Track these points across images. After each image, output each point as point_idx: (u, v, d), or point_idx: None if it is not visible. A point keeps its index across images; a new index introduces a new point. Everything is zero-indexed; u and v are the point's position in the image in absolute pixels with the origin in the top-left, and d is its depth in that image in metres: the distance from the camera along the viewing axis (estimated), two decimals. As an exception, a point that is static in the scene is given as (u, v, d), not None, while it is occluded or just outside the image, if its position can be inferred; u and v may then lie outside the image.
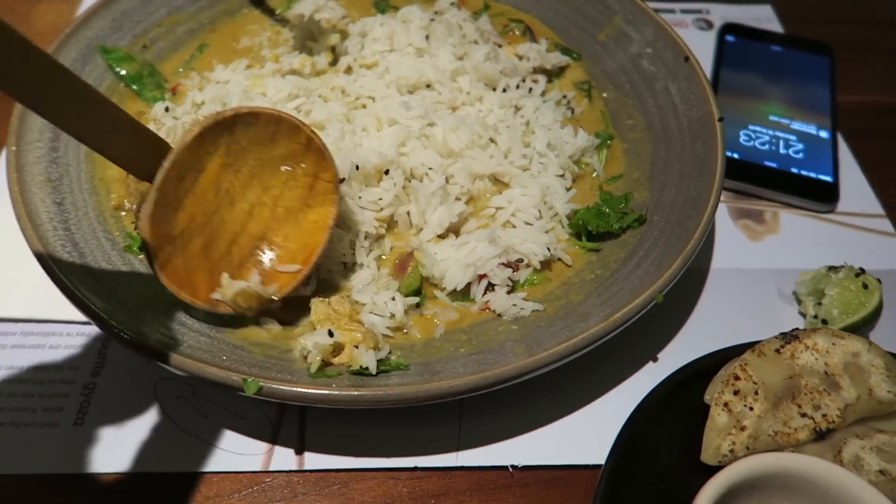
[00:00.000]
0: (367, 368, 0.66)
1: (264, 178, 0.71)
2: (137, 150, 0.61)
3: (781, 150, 1.00)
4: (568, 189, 0.85)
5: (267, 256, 0.72)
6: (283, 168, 0.72)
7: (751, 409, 0.63)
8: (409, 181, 0.81)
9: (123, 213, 0.79)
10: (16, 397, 0.72)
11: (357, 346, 0.67)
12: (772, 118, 1.05)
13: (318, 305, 0.71)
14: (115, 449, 0.68)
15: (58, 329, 0.77)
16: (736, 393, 0.64)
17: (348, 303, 0.73)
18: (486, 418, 0.72)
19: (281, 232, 0.73)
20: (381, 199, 0.78)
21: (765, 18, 1.26)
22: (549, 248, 0.77)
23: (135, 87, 0.92)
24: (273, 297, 0.70)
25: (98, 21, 0.93)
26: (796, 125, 1.04)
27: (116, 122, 0.58)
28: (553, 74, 1.01)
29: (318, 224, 0.73)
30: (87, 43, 0.91)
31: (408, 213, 0.79)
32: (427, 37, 0.96)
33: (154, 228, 0.63)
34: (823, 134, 1.03)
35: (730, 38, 1.18)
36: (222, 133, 0.67)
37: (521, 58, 0.99)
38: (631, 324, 0.68)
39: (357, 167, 0.77)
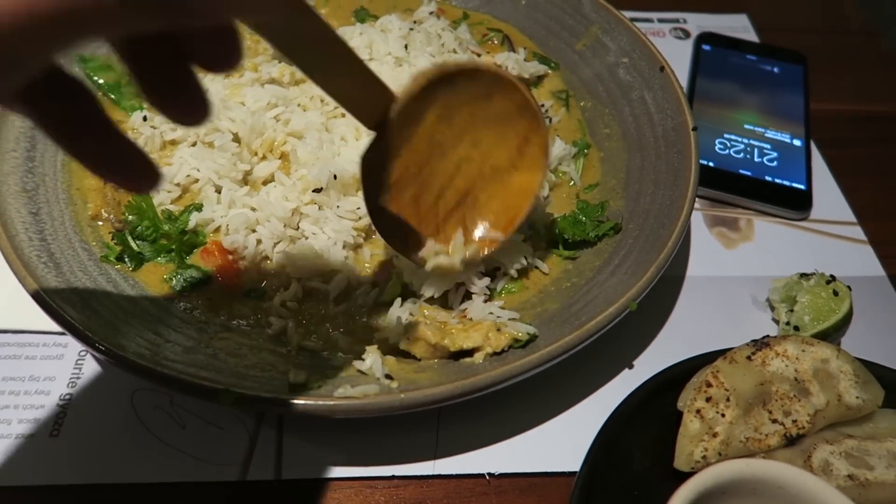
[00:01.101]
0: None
1: (476, 133, 0.69)
2: (363, 94, 0.60)
3: (756, 159, 1.02)
4: (545, 198, 0.86)
5: (470, 214, 0.72)
6: (495, 126, 0.70)
7: (723, 415, 0.65)
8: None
9: (100, 223, 0.79)
10: (-9, 409, 0.71)
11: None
12: (746, 127, 1.06)
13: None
14: (92, 460, 0.68)
15: (34, 340, 0.77)
16: (708, 400, 0.65)
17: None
18: (463, 426, 0.72)
19: (486, 190, 0.72)
20: (359, 208, 0.79)
21: (741, 28, 1.28)
22: (525, 258, 0.78)
23: (113, 95, 0.92)
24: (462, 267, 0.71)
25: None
26: (770, 134, 1.06)
27: (351, 65, 0.56)
28: (531, 83, 1.02)
29: (523, 188, 0.72)
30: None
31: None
32: (406, 46, 0.97)
33: (370, 179, 0.64)
34: (797, 142, 1.05)
35: (706, 48, 1.20)
36: (443, 86, 0.65)
37: (499, 67, 1.00)
38: (606, 331, 0.69)
39: (335, 177, 0.78)
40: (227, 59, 0.43)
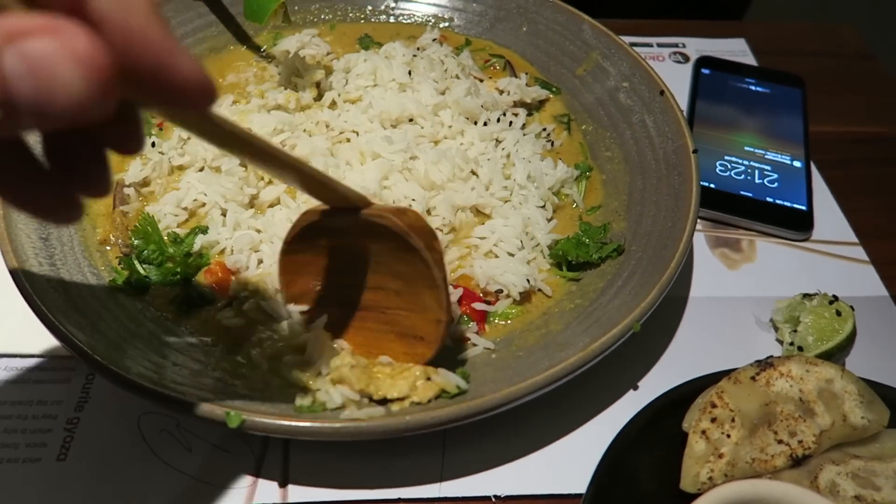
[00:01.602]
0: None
1: (361, 270, 0.70)
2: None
3: (756, 180, 1.03)
4: (549, 220, 0.87)
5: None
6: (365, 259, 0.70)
7: (728, 436, 0.65)
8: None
9: (108, 248, 0.80)
10: (-2, 433, 0.72)
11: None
12: (746, 148, 1.08)
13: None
14: (99, 484, 0.68)
15: (42, 364, 0.77)
16: (713, 420, 0.65)
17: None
18: (469, 448, 0.72)
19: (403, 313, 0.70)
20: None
21: (739, 52, 1.30)
22: (528, 280, 0.78)
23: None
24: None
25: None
26: (770, 155, 1.07)
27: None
28: (533, 108, 1.03)
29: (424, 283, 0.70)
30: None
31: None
32: (410, 72, 0.99)
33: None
34: (797, 164, 1.06)
35: (705, 71, 1.21)
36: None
37: (501, 92, 1.02)
38: (610, 353, 0.69)
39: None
40: (125, 145, 0.43)
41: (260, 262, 0.79)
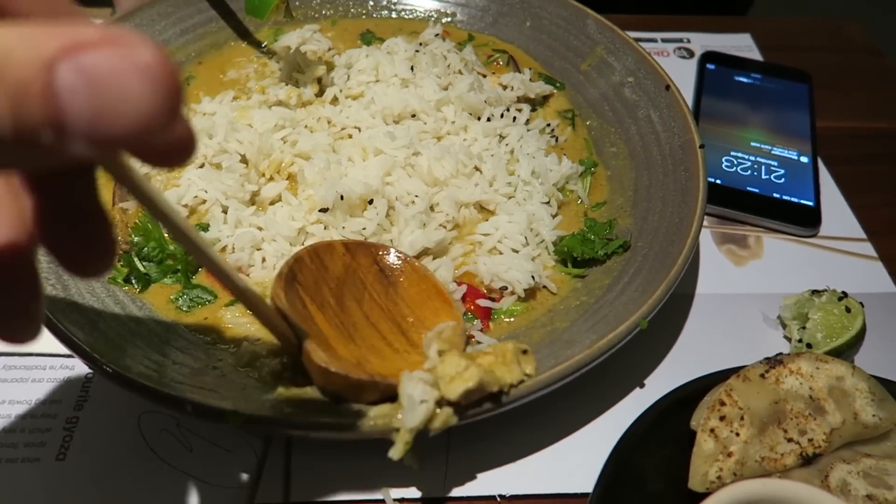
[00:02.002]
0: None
1: (351, 296, 0.70)
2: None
3: (763, 176, 1.02)
4: (553, 216, 0.86)
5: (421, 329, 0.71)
6: (350, 282, 0.71)
7: (737, 434, 0.63)
8: (394, 209, 0.81)
9: (108, 245, 0.79)
10: (-4, 432, 0.71)
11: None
12: (753, 144, 1.06)
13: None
14: (98, 484, 0.67)
15: (41, 363, 0.77)
16: (722, 419, 0.64)
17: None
18: (473, 448, 0.71)
19: (401, 312, 0.72)
20: (364, 228, 0.79)
21: (744, 47, 1.29)
22: (533, 276, 0.77)
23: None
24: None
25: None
26: (777, 151, 1.06)
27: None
28: (537, 103, 1.02)
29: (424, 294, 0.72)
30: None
31: (390, 242, 0.80)
32: (412, 68, 0.98)
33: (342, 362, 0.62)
34: (804, 159, 1.05)
35: (710, 66, 1.20)
36: (292, 286, 0.66)
37: (505, 87, 1.01)
38: (617, 350, 0.68)
39: (342, 197, 0.78)
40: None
41: (264, 259, 0.78)
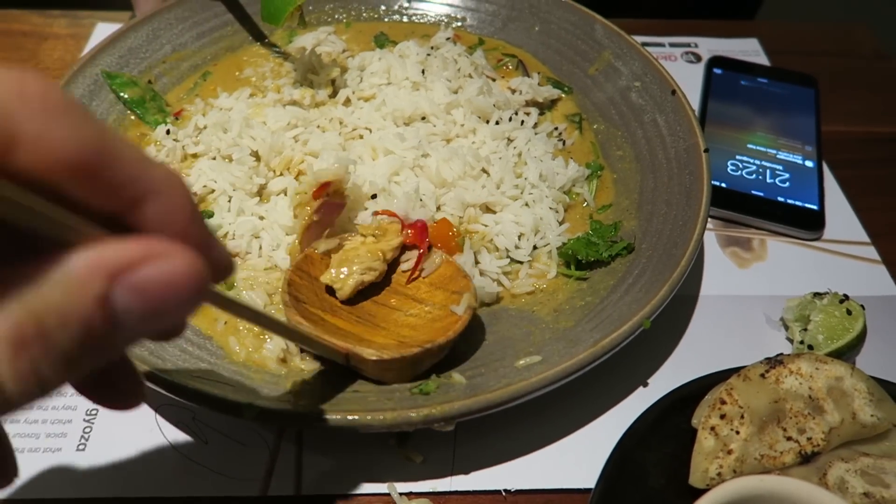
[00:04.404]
0: None
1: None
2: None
3: (768, 180, 1.03)
4: (560, 223, 0.88)
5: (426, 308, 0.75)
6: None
7: (737, 432, 0.65)
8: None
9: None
10: (20, 423, 0.73)
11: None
12: (758, 148, 1.08)
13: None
14: (117, 474, 0.70)
15: (61, 356, 0.79)
16: (722, 417, 0.66)
17: None
18: (479, 443, 0.73)
19: (399, 292, 0.76)
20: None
21: (751, 51, 1.30)
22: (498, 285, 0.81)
23: (138, 111, 0.96)
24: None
25: (105, 58, 0.97)
26: (782, 155, 1.07)
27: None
28: (545, 107, 1.04)
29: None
30: (95, 79, 0.94)
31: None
32: (423, 71, 1.00)
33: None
34: (809, 163, 1.06)
35: (717, 71, 1.21)
36: (302, 308, 0.71)
37: (513, 91, 1.03)
38: (621, 350, 0.70)
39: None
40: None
41: (261, 248, 0.81)
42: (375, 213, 0.78)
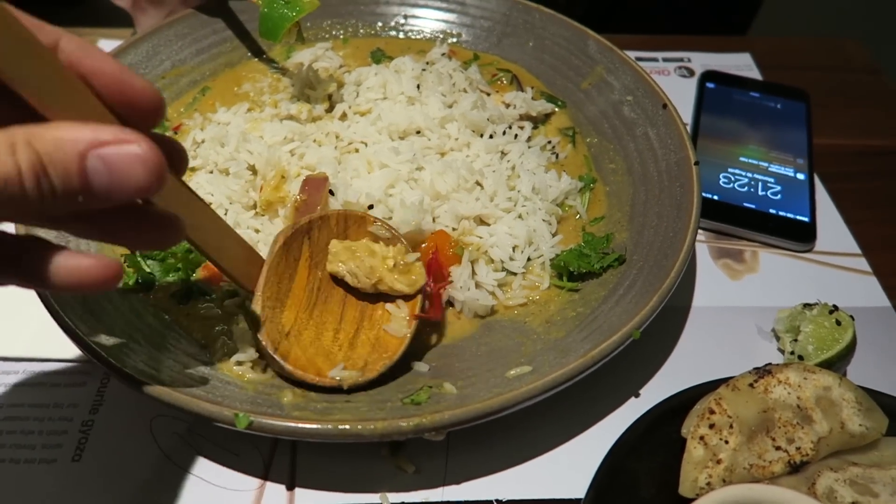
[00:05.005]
0: None
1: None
2: (243, 262, 0.69)
3: (760, 192, 1.04)
4: (553, 235, 0.89)
5: (373, 332, 0.76)
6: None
7: (726, 442, 0.66)
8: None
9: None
10: (16, 434, 0.74)
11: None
12: (750, 161, 1.09)
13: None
14: (112, 485, 0.70)
15: (59, 367, 0.80)
16: (711, 426, 0.66)
17: None
18: (471, 453, 0.74)
19: (378, 307, 0.78)
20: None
21: (744, 66, 1.31)
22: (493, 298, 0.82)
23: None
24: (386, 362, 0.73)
25: (105, 73, 0.98)
26: (774, 168, 1.08)
27: (227, 236, 0.67)
28: (538, 121, 1.05)
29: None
30: (94, 94, 0.95)
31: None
32: (418, 86, 1.01)
33: (268, 329, 0.70)
34: (800, 176, 1.07)
35: (710, 85, 1.23)
36: (302, 238, 0.75)
37: (507, 105, 1.04)
38: (614, 360, 0.71)
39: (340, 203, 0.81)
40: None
41: None
42: (374, 221, 0.79)
